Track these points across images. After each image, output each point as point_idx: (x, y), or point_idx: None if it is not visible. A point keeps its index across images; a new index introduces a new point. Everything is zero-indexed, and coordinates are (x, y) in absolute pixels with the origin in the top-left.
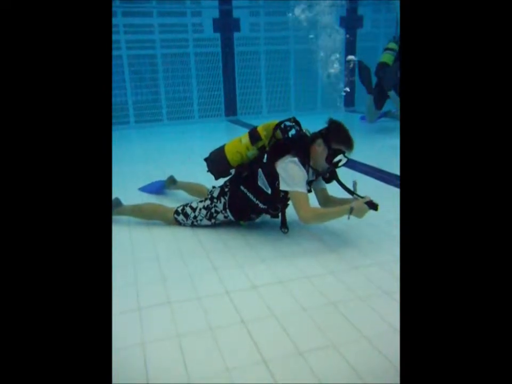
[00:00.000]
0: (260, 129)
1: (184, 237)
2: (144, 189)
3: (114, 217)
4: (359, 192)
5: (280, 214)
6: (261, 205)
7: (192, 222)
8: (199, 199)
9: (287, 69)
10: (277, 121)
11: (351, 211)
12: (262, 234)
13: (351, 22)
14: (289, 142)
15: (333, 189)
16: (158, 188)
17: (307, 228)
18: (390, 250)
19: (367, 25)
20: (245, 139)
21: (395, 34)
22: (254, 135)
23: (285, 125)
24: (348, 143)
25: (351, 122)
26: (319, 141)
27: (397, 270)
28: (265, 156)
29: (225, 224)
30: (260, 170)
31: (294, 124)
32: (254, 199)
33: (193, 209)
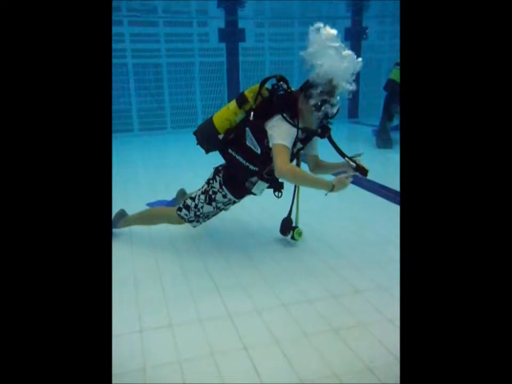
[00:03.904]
0: (246, 92)
1: (186, 252)
2: (152, 205)
3: (118, 231)
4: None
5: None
6: (251, 167)
7: (195, 213)
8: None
9: (291, 78)
10: None
11: (332, 188)
12: (265, 251)
13: (356, 33)
14: (277, 101)
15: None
16: (167, 205)
17: (310, 247)
18: (393, 273)
19: (372, 37)
20: (232, 105)
21: None
22: (241, 98)
23: (272, 85)
24: (328, 90)
25: (356, 134)
26: (301, 98)
27: None
28: (251, 113)
29: (227, 240)
30: (247, 129)
31: (281, 81)
32: (244, 161)
33: (193, 199)
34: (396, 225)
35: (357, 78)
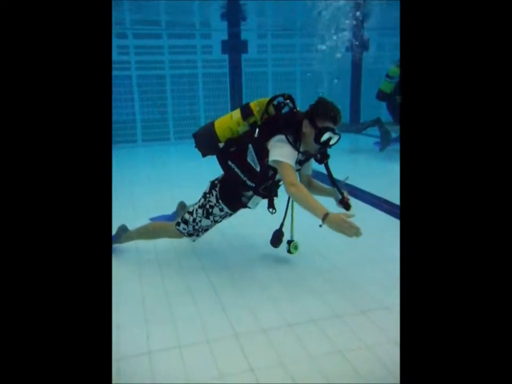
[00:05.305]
0: (252, 104)
1: (191, 269)
2: (155, 219)
3: (123, 247)
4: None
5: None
6: (248, 182)
7: (194, 227)
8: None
9: (293, 90)
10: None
11: (325, 217)
12: (269, 268)
13: (357, 45)
14: (282, 120)
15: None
16: (169, 219)
17: (312, 264)
18: (395, 292)
19: (373, 48)
20: (236, 114)
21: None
22: (246, 110)
23: (278, 102)
24: (332, 118)
25: (358, 144)
26: (305, 122)
27: None
28: (257, 131)
29: (231, 257)
30: (250, 145)
31: (288, 100)
32: (242, 175)
33: (191, 213)
34: (396, 241)
35: (359, 89)
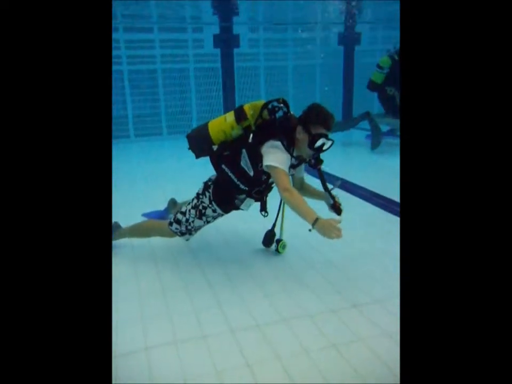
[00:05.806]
0: (246, 108)
1: (187, 265)
2: (147, 215)
3: (118, 243)
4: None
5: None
6: (242, 186)
7: (186, 227)
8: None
9: (285, 83)
10: (264, 101)
11: (315, 222)
12: (263, 263)
13: (349, 39)
14: (276, 124)
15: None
16: (160, 215)
17: (306, 259)
18: (389, 286)
19: (364, 43)
20: (230, 117)
21: (389, 48)
22: (239, 114)
23: (272, 106)
24: (325, 124)
25: (351, 139)
26: (299, 128)
27: (397, 309)
28: (251, 136)
29: (226, 252)
30: (243, 150)
31: (282, 105)
32: (235, 179)
33: (183, 213)
34: (388, 235)
35: (351, 84)
